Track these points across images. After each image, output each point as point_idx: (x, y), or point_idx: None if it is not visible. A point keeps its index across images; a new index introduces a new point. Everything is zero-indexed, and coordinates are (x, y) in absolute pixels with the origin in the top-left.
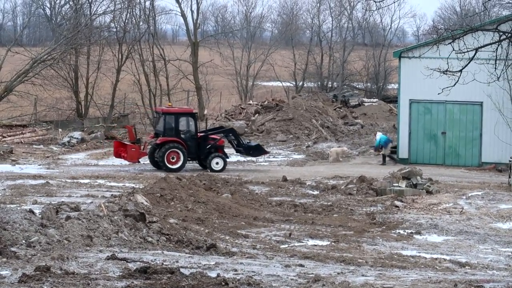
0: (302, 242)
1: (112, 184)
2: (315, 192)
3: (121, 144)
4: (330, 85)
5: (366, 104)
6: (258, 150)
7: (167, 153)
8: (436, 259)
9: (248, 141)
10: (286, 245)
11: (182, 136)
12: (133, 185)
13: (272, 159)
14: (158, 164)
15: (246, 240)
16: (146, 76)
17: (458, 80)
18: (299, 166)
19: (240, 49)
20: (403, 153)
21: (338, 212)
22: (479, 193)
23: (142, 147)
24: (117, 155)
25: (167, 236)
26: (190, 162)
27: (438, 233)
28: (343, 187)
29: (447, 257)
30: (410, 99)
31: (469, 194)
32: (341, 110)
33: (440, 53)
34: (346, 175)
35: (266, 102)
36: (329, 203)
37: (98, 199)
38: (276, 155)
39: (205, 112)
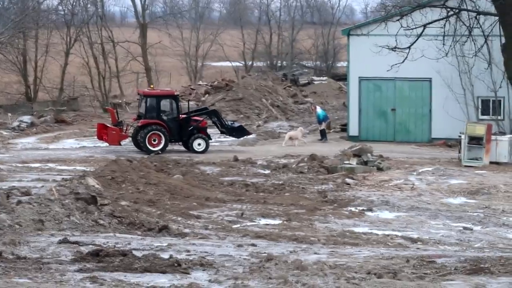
0: (254, 222)
1: (63, 167)
2: (266, 172)
3: (104, 127)
4: (280, 64)
5: (315, 82)
6: (240, 132)
7: (148, 135)
8: (388, 235)
9: (232, 122)
10: (238, 225)
11: (164, 118)
12: (83, 168)
13: (223, 139)
14: (140, 146)
15: (198, 221)
16: (95, 58)
17: (407, 57)
18: (250, 146)
19: (189, 30)
20: (353, 130)
21: (290, 191)
22: (430, 169)
23: (124, 129)
24: (100, 137)
25: (119, 219)
26: (174, 143)
27: (390, 209)
28: (294, 165)
29: (399, 233)
30: (359, 77)
31: (420, 170)
32: (291, 89)
33: (389, 30)
34: (297, 154)
35: (216, 82)
36: (280, 182)
37: (49, 183)
38: (226, 136)
39: None
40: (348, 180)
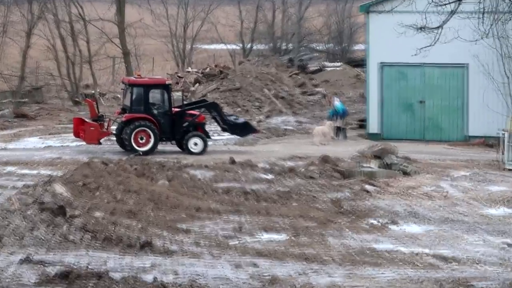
0: (255, 237)
1: (25, 171)
2: (269, 176)
3: (81, 122)
4: (285, 47)
5: (328, 69)
6: (246, 129)
7: (134, 132)
8: (416, 253)
9: (235, 117)
10: (236, 241)
11: (154, 112)
12: (50, 172)
13: (217, 138)
14: (125, 145)
15: (188, 236)
16: (63, 40)
17: (437, 38)
18: (250, 145)
19: (175, 6)
20: (373, 127)
21: (298, 199)
22: (466, 173)
23: (105, 125)
24: (77, 134)
25: (93, 233)
26: (165, 143)
27: (418, 222)
28: (302, 169)
29: (429, 251)
30: (380, 62)
31: (454, 175)
32: (298, 77)
33: (416, 6)
34: (306, 155)
35: (208, 69)
36: (286, 189)
37: (7, 190)
38: (221, 133)
39: None
40: (367, 187)
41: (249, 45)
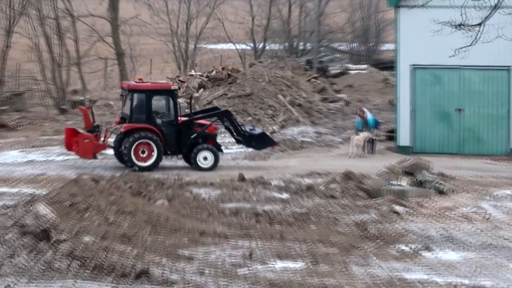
0: (268, 265)
1: (4, 189)
2: (284, 196)
3: (75, 133)
4: (302, 48)
5: (351, 72)
6: (263, 141)
7: (134, 145)
8: (453, 285)
9: (252, 127)
10: (246, 270)
11: (157, 121)
12: (32, 190)
13: (225, 151)
14: (124, 160)
15: (190, 264)
16: (48, 39)
17: (478, 37)
18: (262, 160)
19: (176, 0)
20: (404, 139)
21: (317, 222)
22: (510, 192)
23: (102, 136)
24: (69, 147)
25: (81, 261)
26: (170, 157)
27: (455, 248)
28: (322, 187)
29: (468, 282)
30: (412, 65)
31: (497, 194)
32: (318, 82)
33: (454, 0)
34: (327, 171)
35: (214, 72)
36: (303, 211)
37: None
38: (230, 145)
39: None
40: (397, 208)
41: (261, 45)
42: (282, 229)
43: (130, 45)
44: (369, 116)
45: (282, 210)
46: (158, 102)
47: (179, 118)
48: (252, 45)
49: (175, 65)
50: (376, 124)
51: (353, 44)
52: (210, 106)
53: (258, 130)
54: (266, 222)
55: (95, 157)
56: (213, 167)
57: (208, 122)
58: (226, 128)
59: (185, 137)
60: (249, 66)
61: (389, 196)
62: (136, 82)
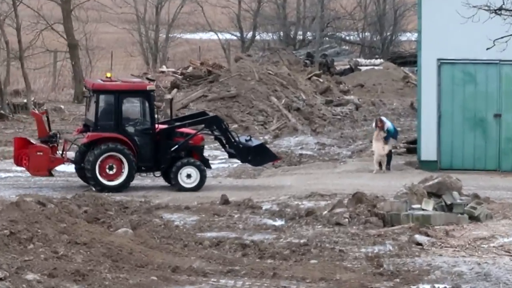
0: None
1: None
2: (278, 223)
3: (26, 144)
4: (301, 38)
5: (363, 68)
6: (262, 154)
7: (100, 159)
8: None
9: (248, 136)
10: None
11: (129, 129)
12: None
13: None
14: (87, 178)
15: None
16: None
17: None
18: (250, 178)
19: None
20: (428, 151)
21: (319, 255)
22: None
23: (60, 148)
24: (19, 161)
25: None
26: (145, 174)
27: (491, 287)
28: (326, 212)
29: None
30: (439, 59)
31: None
32: (321, 80)
33: None
34: (331, 192)
35: (191, 68)
36: (302, 241)
37: None
38: (210, 159)
39: None
40: (419, 238)
41: (249, 34)
42: (275, 265)
43: (86, 35)
44: (389, 124)
45: (275, 241)
46: (130, 106)
47: (156, 125)
48: (238, 34)
49: (142, 59)
50: (396, 134)
51: (365, 34)
52: (186, 110)
53: (255, 142)
54: (255, 256)
55: (50, 174)
56: (199, 186)
57: (193, 131)
58: (216, 138)
59: (163, 150)
60: (234, 61)
61: (410, 223)
62: (103, 80)
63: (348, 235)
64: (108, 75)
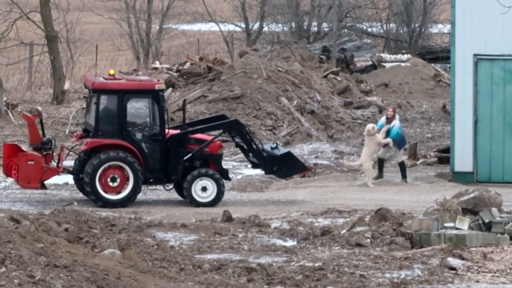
0: None
1: None
2: (290, 243)
3: (16, 151)
4: (316, 29)
5: (387, 65)
6: (289, 164)
7: (101, 169)
8: None
9: (275, 144)
10: None
11: (135, 135)
12: None
13: None
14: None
15: None
16: None
17: None
18: (257, 191)
19: None
20: (462, 161)
21: (336, 281)
22: None
23: (55, 157)
24: (8, 171)
25: None
26: (153, 187)
27: None
28: (344, 231)
29: None
30: (475, 55)
31: None
32: (338, 79)
33: None
34: (350, 208)
35: (188, 64)
36: (317, 265)
37: None
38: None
39: (66, 85)
40: (452, 261)
41: (256, 26)
42: None
43: (67, 25)
44: (397, 124)
45: (286, 264)
46: (136, 108)
47: (166, 131)
48: (243, 25)
49: (131, 53)
50: (402, 140)
51: (390, 25)
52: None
53: (282, 150)
54: (262, 282)
55: (43, 187)
56: (215, 201)
57: (210, 137)
58: (238, 145)
59: (175, 159)
60: (239, 56)
61: (442, 245)
62: (105, 78)
63: (370, 258)
64: (111, 72)
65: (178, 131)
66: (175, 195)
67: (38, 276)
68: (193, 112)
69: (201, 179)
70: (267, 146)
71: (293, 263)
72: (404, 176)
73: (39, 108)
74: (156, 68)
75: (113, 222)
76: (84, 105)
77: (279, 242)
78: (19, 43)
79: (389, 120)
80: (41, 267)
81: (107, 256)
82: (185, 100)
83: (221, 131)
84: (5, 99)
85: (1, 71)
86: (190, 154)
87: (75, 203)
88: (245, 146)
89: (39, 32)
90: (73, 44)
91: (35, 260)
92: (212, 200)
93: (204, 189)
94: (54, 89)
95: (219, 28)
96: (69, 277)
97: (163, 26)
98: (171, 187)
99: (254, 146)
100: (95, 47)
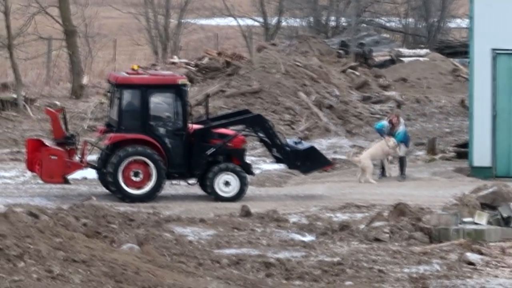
0: None
1: None
2: (308, 238)
3: (40, 146)
4: (334, 24)
5: (405, 60)
6: (312, 159)
7: (124, 164)
8: None
9: (299, 139)
10: None
11: (157, 130)
12: None
13: None
14: (110, 185)
15: None
16: None
17: None
18: (275, 186)
19: None
20: (481, 157)
21: (354, 276)
22: None
23: (79, 151)
24: (32, 166)
25: None
26: (176, 181)
27: None
28: (363, 226)
29: None
30: (494, 49)
31: None
32: (357, 73)
33: None
34: (369, 203)
35: (207, 59)
36: (335, 260)
37: None
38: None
39: (84, 80)
40: (471, 256)
41: (274, 20)
42: (304, 287)
43: (85, 20)
44: (402, 128)
45: (304, 259)
46: (159, 103)
47: (189, 125)
48: (261, 20)
49: (149, 48)
50: (406, 139)
51: (408, 19)
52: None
53: (305, 144)
54: (281, 276)
55: (66, 182)
56: (238, 196)
57: (233, 132)
58: (261, 140)
59: (198, 154)
60: (257, 51)
61: (460, 240)
62: (128, 73)
63: (388, 253)
64: (135, 67)
65: (201, 126)
66: (193, 190)
67: (57, 271)
68: (211, 107)
69: (224, 174)
70: (291, 141)
71: (312, 258)
72: (402, 171)
73: (58, 103)
74: (174, 63)
75: (131, 217)
76: (103, 100)
77: (298, 237)
78: (37, 38)
79: (393, 126)
80: (59, 262)
81: (125, 251)
82: (208, 95)
83: (244, 126)
84: (23, 93)
85: (20, 66)
86: (214, 149)
87: (94, 198)
88: (268, 141)
89: (57, 27)
90: (92, 39)
91: (53, 255)
92: (235, 195)
93: (227, 183)
94: (72, 84)
95: (238, 22)
96: (88, 272)
97: (182, 20)
98: (194, 182)
99: (278, 141)
100: (114, 41)
